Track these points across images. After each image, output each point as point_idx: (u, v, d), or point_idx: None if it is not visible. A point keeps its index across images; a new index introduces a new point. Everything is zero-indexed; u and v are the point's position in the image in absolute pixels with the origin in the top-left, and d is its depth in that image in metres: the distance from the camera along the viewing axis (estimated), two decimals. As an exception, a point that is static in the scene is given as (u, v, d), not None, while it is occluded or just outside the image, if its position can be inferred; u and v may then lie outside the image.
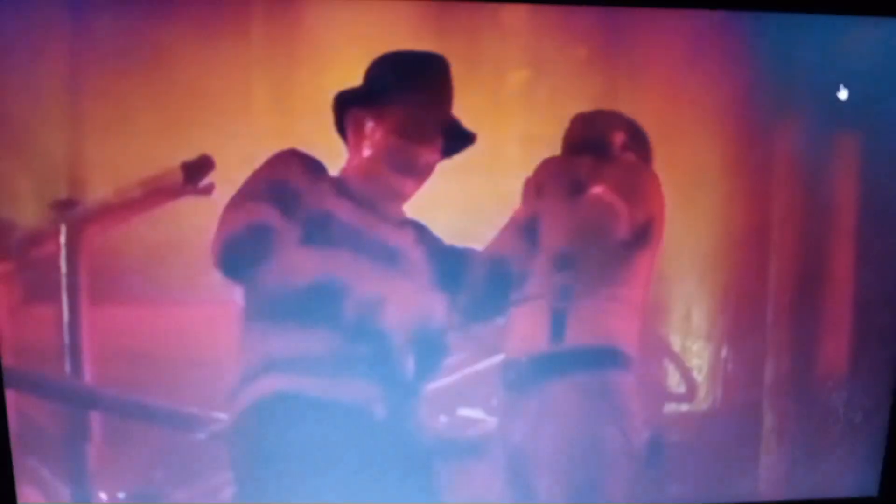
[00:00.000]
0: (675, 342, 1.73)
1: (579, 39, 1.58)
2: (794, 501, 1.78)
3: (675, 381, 1.74)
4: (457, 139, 1.54)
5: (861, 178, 1.69)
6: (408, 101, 1.51)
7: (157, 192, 1.47)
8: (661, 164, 1.62)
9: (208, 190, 1.48)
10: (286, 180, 1.46)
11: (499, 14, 1.54)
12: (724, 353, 1.73)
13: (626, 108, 1.60)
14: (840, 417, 1.77)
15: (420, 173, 1.54)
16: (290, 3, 1.49)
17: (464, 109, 1.53)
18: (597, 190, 1.57)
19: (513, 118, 1.59)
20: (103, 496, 1.57)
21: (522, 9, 1.55)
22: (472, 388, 1.65)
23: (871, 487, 1.80)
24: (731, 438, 1.77)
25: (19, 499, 1.55)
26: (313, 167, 1.51)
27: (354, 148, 1.53)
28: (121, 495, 1.58)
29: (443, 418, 1.64)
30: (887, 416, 1.77)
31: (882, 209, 1.71)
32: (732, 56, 1.62)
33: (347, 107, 1.51)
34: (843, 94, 1.65)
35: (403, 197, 1.56)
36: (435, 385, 1.60)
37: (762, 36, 1.62)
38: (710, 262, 1.69)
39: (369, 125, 1.51)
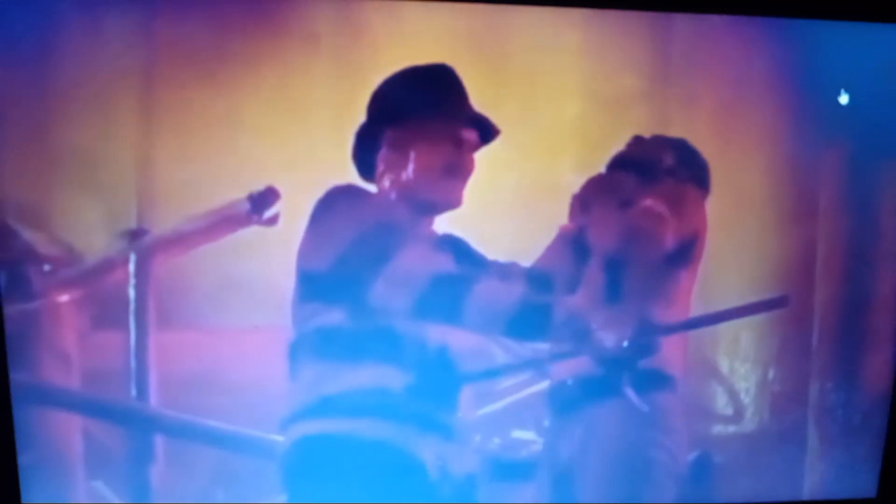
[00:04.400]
0: (723, 364, 1.75)
1: (631, 69, 1.62)
2: (793, 502, 1.80)
3: (722, 403, 1.76)
4: (484, 132, 1.56)
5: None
6: (427, 113, 1.55)
7: (223, 223, 1.50)
8: (711, 187, 1.66)
9: (273, 221, 1.51)
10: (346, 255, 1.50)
11: (555, 42, 1.58)
12: (770, 374, 1.75)
13: (676, 134, 1.64)
14: (839, 419, 1.79)
15: (463, 173, 1.56)
16: (354, 34, 1.53)
17: (516, 135, 1.57)
18: (647, 201, 1.61)
19: (566, 145, 1.63)
20: (166, 518, 1.61)
21: (577, 38, 1.59)
22: (524, 411, 1.68)
23: (870, 488, 1.82)
24: (775, 455, 1.80)
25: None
26: (361, 207, 1.54)
27: (385, 170, 1.55)
28: (183, 517, 1.61)
29: (496, 440, 1.67)
30: (886, 418, 1.79)
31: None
32: (781, 83, 1.66)
33: (377, 135, 1.53)
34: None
35: (451, 204, 1.57)
36: (487, 408, 1.64)
37: (811, 65, 1.65)
38: (758, 284, 1.71)
39: (398, 148, 1.54)
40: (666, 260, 1.62)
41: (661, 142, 1.63)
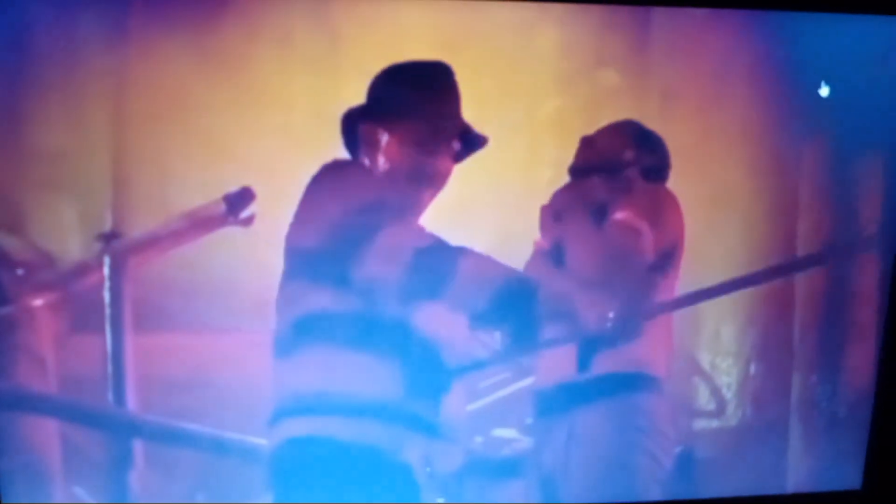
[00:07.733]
0: (705, 360, 1.75)
1: (610, 64, 1.61)
2: (779, 496, 1.80)
3: (705, 399, 1.76)
4: (469, 143, 1.54)
5: (886, 196, 1.72)
6: (417, 111, 1.52)
7: (199, 224, 1.49)
8: (690, 183, 1.65)
9: (249, 221, 1.50)
10: (337, 222, 1.47)
11: (533, 37, 1.57)
12: (752, 369, 1.75)
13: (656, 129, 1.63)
14: (824, 412, 1.79)
15: (437, 181, 1.55)
16: (330, 33, 1.51)
17: (497, 131, 1.55)
18: (621, 215, 1.59)
19: (545, 141, 1.62)
20: (146, 522, 1.60)
21: (555, 33, 1.57)
22: (506, 409, 1.67)
23: (855, 480, 1.82)
24: (758, 449, 1.81)
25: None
26: (355, 179, 1.52)
27: (369, 163, 1.53)
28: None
29: (478, 438, 1.66)
30: (870, 409, 1.79)
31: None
32: (761, 77, 1.65)
33: (358, 123, 1.52)
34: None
35: (421, 207, 1.56)
36: (470, 406, 1.63)
37: (791, 58, 1.65)
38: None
39: (383, 138, 1.51)
40: (648, 271, 1.60)
41: (611, 132, 1.60)
